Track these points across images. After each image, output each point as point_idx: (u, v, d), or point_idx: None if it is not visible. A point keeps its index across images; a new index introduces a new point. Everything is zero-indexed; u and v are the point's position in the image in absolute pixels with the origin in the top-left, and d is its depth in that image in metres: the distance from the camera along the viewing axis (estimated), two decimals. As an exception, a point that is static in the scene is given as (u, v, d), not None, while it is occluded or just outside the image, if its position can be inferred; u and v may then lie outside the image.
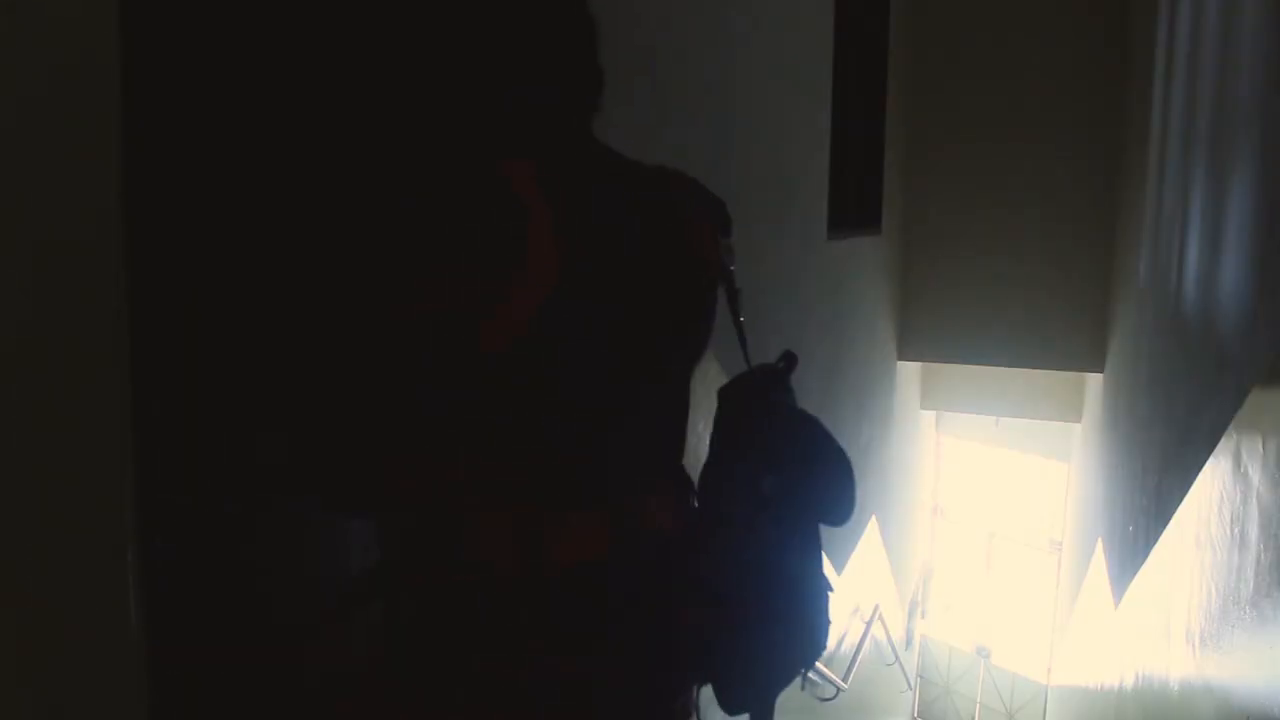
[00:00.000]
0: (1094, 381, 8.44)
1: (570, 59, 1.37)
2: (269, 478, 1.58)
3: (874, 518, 7.17)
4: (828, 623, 1.46)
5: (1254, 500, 2.63)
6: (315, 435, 1.30)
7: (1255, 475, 2.64)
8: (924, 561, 11.64)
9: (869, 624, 6.74)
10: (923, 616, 12.27)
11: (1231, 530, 2.87)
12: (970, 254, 7.76)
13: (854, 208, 6.25)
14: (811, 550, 1.45)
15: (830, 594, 1.46)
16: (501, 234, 1.20)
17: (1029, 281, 7.69)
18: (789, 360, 1.51)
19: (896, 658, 8.42)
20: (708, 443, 1.46)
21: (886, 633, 7.74)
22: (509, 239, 1.20)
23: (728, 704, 1.42)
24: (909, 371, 8.95)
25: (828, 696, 5.34)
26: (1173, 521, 3.89)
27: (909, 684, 11.16)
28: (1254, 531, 2.61)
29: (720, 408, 1.50)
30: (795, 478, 1.42)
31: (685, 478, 1.46)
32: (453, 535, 1.28)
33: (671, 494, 1.43)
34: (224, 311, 1.54)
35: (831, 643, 5.85)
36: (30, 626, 1.09)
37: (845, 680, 5.60)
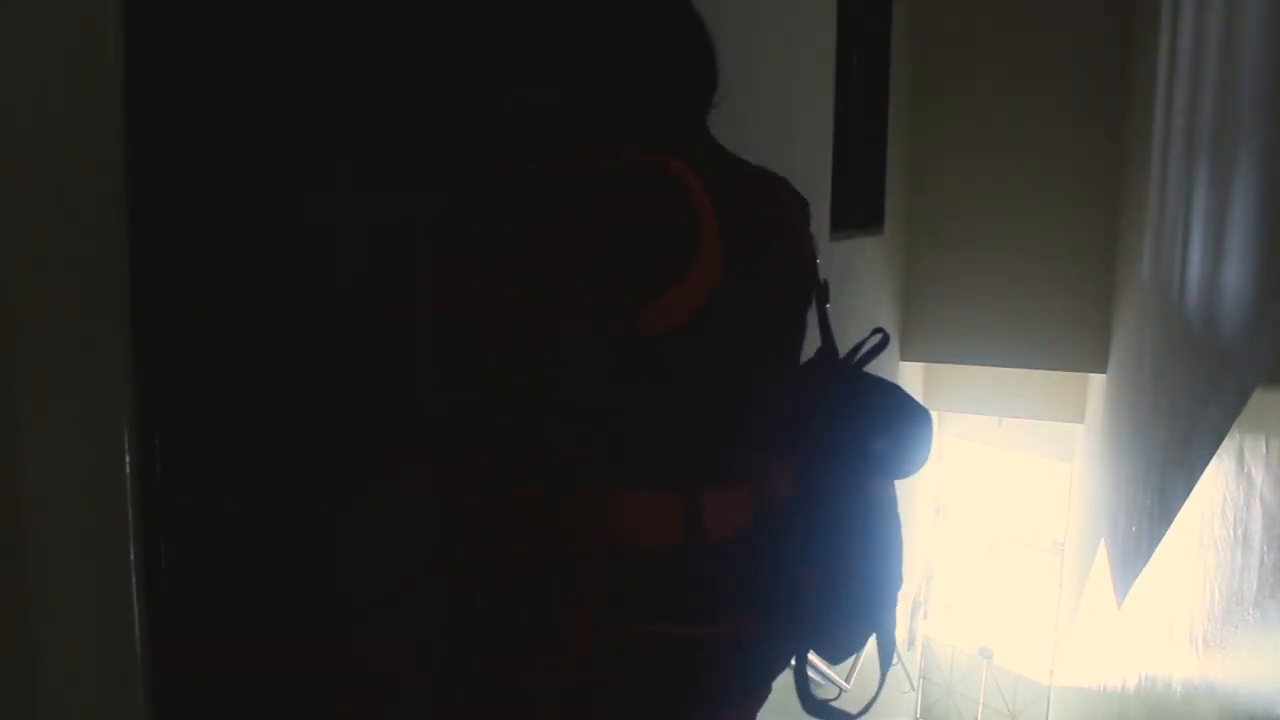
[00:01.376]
0: (1097, 382, 8.44)
1: (694, 61, 1.46)
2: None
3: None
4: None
5: (1257, 501, 2.63)
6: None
7: (1259, 476, 2.64)
8: (926, 562, 11.64)
9: (871, 624, 6.74)
10: (925, 617, 12.27)
11: (1235, 531, 2.87)
12: (973, 254, 7.76)
13: (857, 208, 6.25)
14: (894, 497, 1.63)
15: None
16: (681, 233, 1.26)
17: (1032, 282, 7.69)
18: (884, 338, 1.65)
19: (899, 658, 8.40)
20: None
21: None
22: (687, 240, 1.26)
23: (849, 647, 1.64)
24: (912, 372, 8.95)
25: (830, 697, 5.33)
26: (1175, 522, 3.89)
27: (911, 685, 11.17)
28: (1257, 532, 2.61)
29: (823, 381, 1.60)
30: (898, 434, 1.58)
31: (805, 448, 1.54)
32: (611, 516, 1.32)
33: (795, 465, 1.50)
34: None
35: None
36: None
37: (848, 681, 5.59)
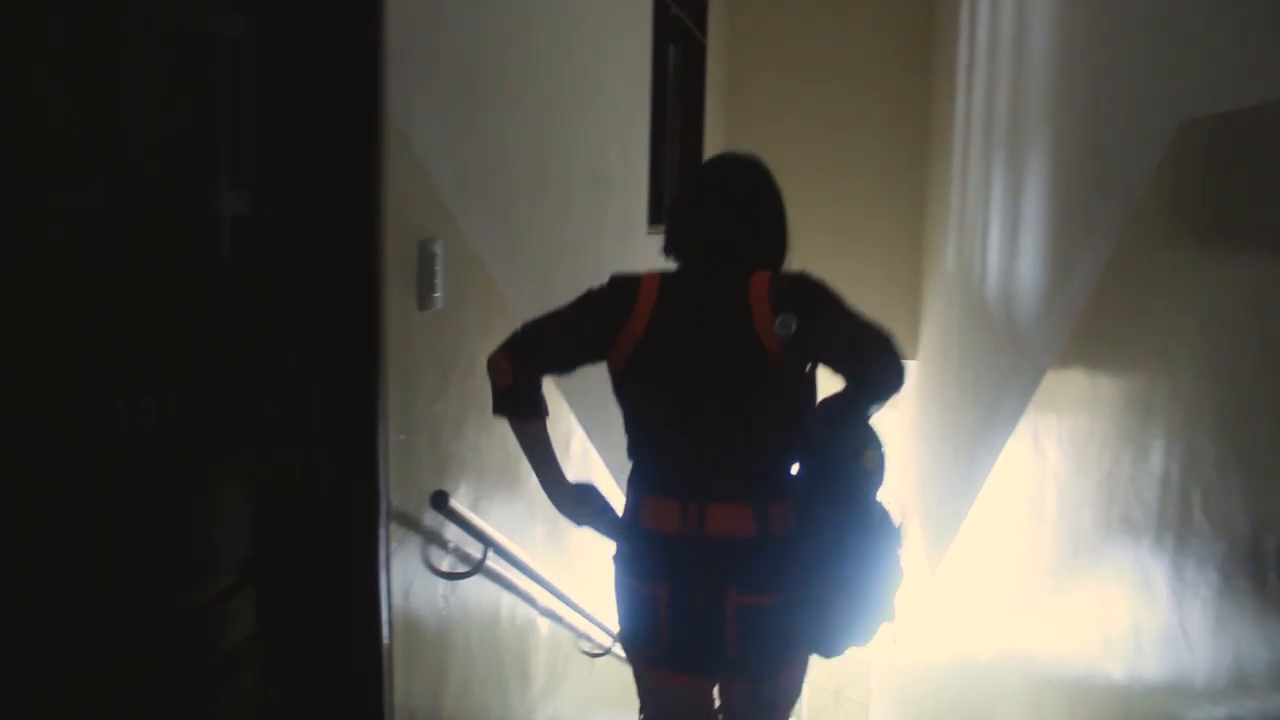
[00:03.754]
0: (909, 367, 8.76)
1: (706, 237, 2.22)
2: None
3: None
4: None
5: (1050, 476, 2.79)
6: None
7: (1051, 452, 2.80)
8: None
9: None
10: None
11: (1031, 504, 3.03)
12: (790, 245, 7.95)
13: (676, 202, 6.32)
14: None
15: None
16: (629, 307, 2.13)
17: (845, 274, 7.83)
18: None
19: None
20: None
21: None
22: (630, 311, 2.13)
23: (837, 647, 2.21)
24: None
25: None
26: (979, 498, 4.08)
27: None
28: (1051, 505, 2.77)
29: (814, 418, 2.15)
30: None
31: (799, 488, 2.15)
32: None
33: (788, 506, 2.14)
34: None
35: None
36: None
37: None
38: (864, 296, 7.42)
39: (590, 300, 2.18)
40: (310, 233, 2.02)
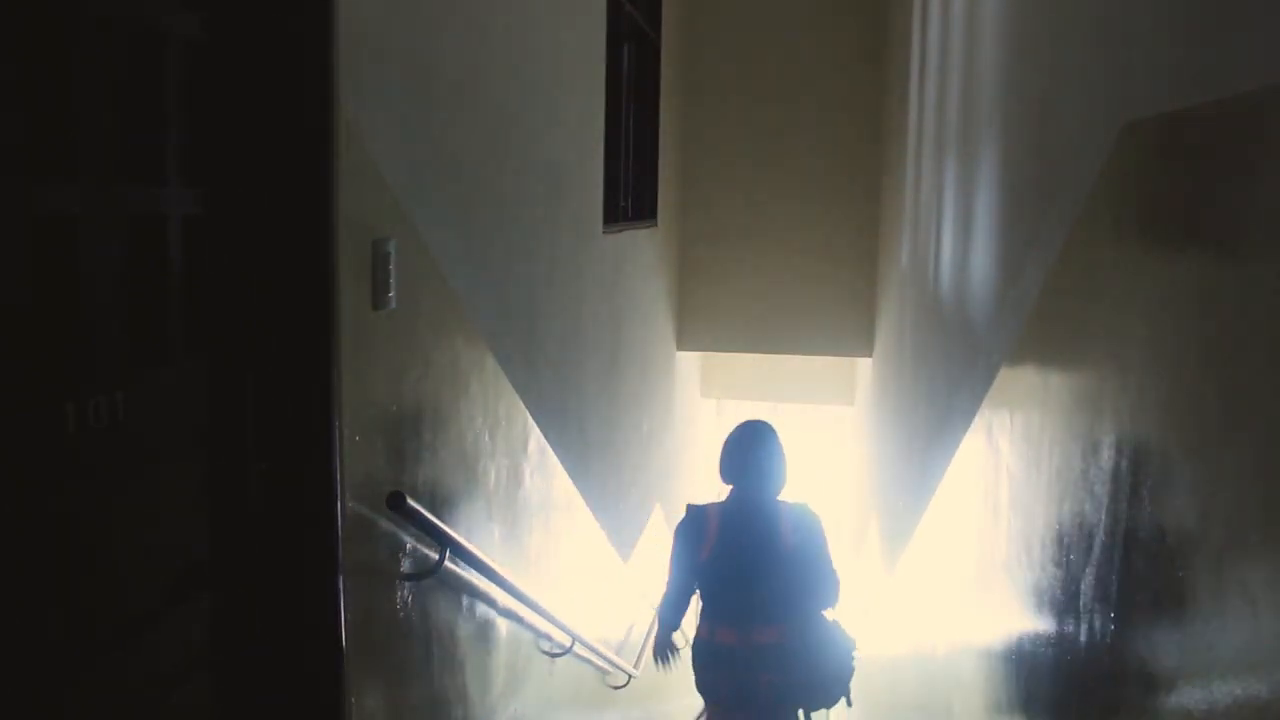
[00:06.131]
0: (864, 365, 8.83)
1: (748, 477, 3.82)
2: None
3: (658, 506, 7.31)
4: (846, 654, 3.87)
5: (1004, 471, 2.82)
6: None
7: (1004, 448, 2.83)
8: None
9: (658, 609, 6.85)
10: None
11: (986, 500, 3.07)
12: (744, 246, 8.00)
13: (630, 201, 6.35)
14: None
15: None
16: (705, 532, 3.76)
17: (801, 272, 7.98)
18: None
19: (687, 640, 8.53)
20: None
21: (676, 617, 7.88)
22: (706, 534, 3.76)
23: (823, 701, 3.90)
24: (689, 361, 9.15)
25: (619, 685, 5.41)
26: (935, 494, 4.11)
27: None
28: (1004, 500, 2.80)
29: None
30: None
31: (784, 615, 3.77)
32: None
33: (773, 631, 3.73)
34: None
35: (620, 632, 5.94)
36: None
37: (636, 667, 5.69)
38: (819, 293, 7.46)
39: (681, 531, 3.80)
40: (263, 232, 2.01)
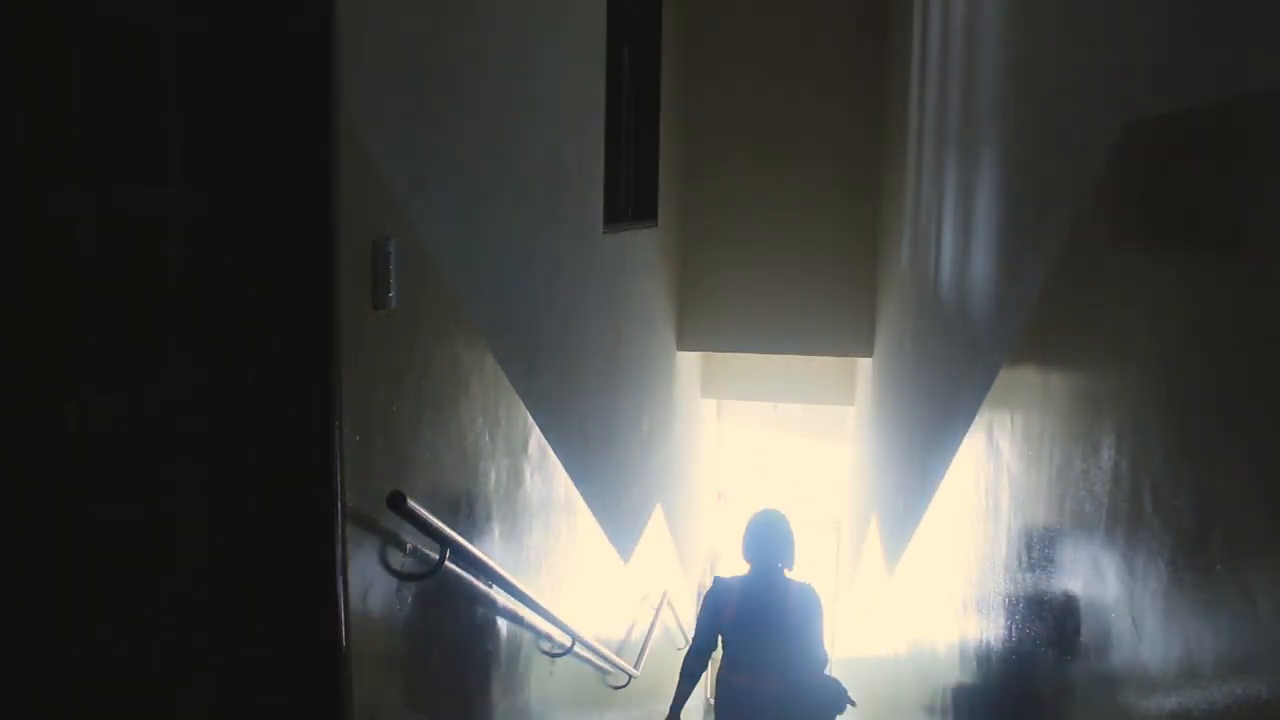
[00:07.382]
0: (864, 365, 8.82)
1: (765, 558, 4.51)
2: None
3: (659, 506, 7.31)
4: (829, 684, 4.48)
5: (1004, 472, 2.82)
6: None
7: (1005, 449, 2.82)
8: (710, 547, 11.92)
9: (658, 610, 6.86)
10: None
11: (986, 501, 3.06)
12: (745, 245, 7.99)
13: (630, 202, 6.35)
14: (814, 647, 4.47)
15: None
16: (728, 603, 4.49)
17: (801, 272, 7.97)
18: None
19: (687, 641, 8.56)
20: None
21: (676, 618, 7.89)
22: (727, 605, 4.49)
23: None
24: (689, 361, 9.14)
25: (620, 685, 5.42)
26: (936, 495, 4.11)
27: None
28: (1005, 501, 2.80)
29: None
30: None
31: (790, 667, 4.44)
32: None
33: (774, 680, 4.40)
34: None
35: (620, 632, 5.94)
36: None
37: (637, 667, 5.69)
38: (819, 293, 7.46)
39: (709, 599, 4.51)
40: (263, 232, 2.01)
